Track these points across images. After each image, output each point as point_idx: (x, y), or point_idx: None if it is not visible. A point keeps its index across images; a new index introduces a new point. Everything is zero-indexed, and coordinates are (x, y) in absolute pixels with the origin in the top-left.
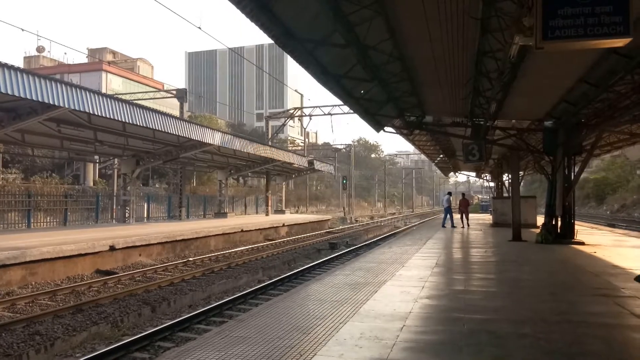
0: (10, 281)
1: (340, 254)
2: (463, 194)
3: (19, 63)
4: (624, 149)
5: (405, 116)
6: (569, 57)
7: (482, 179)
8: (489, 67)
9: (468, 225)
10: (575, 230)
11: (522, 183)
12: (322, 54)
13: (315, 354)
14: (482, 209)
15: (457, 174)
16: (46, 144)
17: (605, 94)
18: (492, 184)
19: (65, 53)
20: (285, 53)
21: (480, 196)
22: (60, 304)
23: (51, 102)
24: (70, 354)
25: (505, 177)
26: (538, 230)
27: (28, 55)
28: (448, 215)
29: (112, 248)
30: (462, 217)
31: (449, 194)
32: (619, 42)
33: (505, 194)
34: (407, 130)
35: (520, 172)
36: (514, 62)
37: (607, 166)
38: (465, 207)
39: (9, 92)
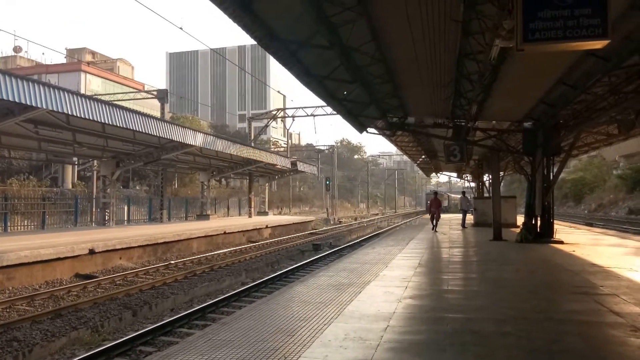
0: None
1: (324, 255)
2: (435, 193)
3: None
4: (600, 150)
5: (388, 117)
6: (548, 59)
7: (463, 179)
8: (470, 68)
9: (435, 229)
10: (555, 230)
11: (502, 183)
12: (305, 55)
13: (299, 356)
14: None
15: (438, 174)
16: (23, 145)
17: (583, 95)
18: (473, 184)
19: (43, 53)
20: (267, 54)
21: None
22: (39, 309)
23: (29, 103)
24: None
25: (485, 177)
26: (518, 230)
27: (5, 55)
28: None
29: (91, 251)
30: (432, 218)
31: (464, 193)
32: (598, 44)
33: (486, 194)
34: (389, 132)
35: (501, 173)
36: (494, 64)
37: (585, 166)
38: (437, 207)
39: None
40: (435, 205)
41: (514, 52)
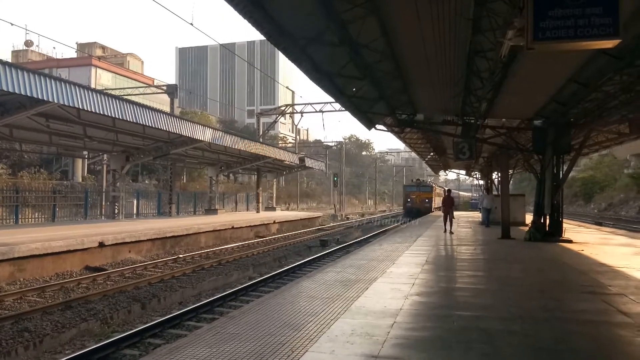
0: None
1: (331, 251)
2: (449, 191)
3: (7, 57)
4: (611, 148)
5: (397, 114)
6: (559, 57)
7: (472, 177)
8: (480, 66)
9: (451, 231)
10: (563, 229)
11: (511, 181)
12: (315, 52)
13: (306, 351)
14: (472, 206)
15: (447, 171)
16: (34, 139)
17: (594, 93)
18: (481, 182)
19: (54, 47)
20: (277, 50)
21: (470, 194)
22: (49, 301)
23: (40, 97)
24: (60, 351)
25: (494, 175)
26: (527, 229)
27: (16, 49)
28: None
29: (101, 244)
30: (445, 219)
31: (487, 190)
32: (609, 44)
33: (495, 192)
34: (398, 128)
35: (510, 171)
36: (505, 62)
37: (595, 165)
38: (450, 206)
39: None
40: (448, 205)
41: (524, 50)
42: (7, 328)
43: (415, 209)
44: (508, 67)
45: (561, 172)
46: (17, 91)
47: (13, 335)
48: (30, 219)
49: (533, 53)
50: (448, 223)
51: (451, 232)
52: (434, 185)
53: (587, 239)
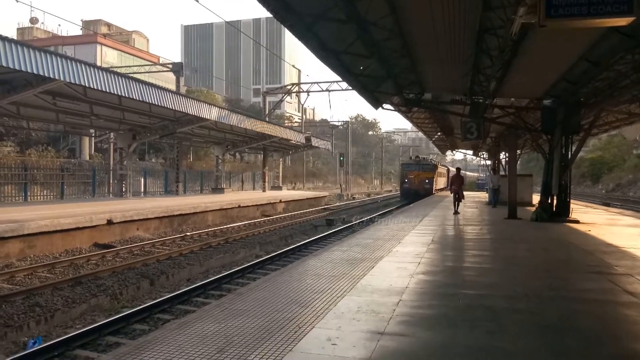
0: (8, 254)
1: (337, 231)
2: (458, 169)
3: (13, 34)
4: (621, 129)
5: (404, 93)
6: (570, 35)
7: (479, 157)
8: (490, 44)
9: (457, 210)
10: (571, 209)
11: (519, 161)
12: (322, 29)
13: (313, 327)
14: (478, 186)
15: (454, 151)
16: (41, 117)
17: (605, 72)
18: (488, 162)
19: (59, 25)
20: (283, 27)
21: (477, 174)
22: (60, 277)
23: (46, 75)
24: (71, 325)
25: (502, 155)
26: (534, 209)
27: (21, 26)
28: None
29: (109, 222)
30: (455, 199)
31: (494, 170)
32: (622, 21)
33: (502, 173)
34: (405, 108)
35: (518, 151)
36: (515, 40)
37: (604, 145)
38: (459, 186)
39: (4, 64)
40: (458, 184)
41: (536, 27)
42: (19, 303)
43: (413, 191)
44: (518, 45)
45: (570, 152)
46: (23, 69)
47: (25, 310)
48: (39, 197)
49: (544, 30)
50: (457, 203)
51: (457, 212)
52: (436, 163)
53: (594, 220)
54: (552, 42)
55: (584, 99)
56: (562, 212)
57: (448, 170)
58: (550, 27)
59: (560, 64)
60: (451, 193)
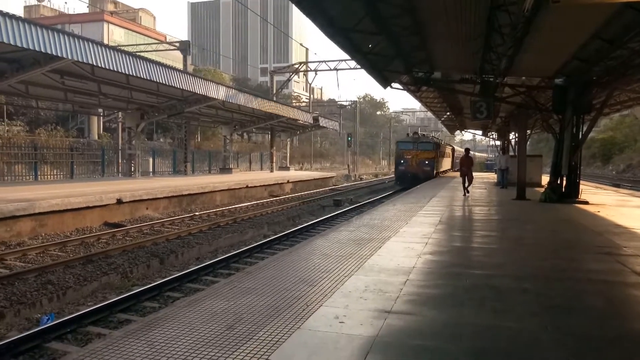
0: (20, 232)
1: (345, 211)
2: (467, 150)
3: (19, 13)
4: (633, 108)
5: (413, 72)
6: (584, 11)
7: (489, 137)
8: (501, 21)
9: (467, 191)
10: (580, 190)
11: (528, 142)
12: (330, 6)
13: (321, 305)
14: (487, 167)
15: (463, 132)
16: (50, 96)
17: (619, 51)
18: (498, 143)
19: (65, 2)
20: (291, 5)
21: (486, 155)
22: (71, 255)
23: (54, 53)
24: (82, 303)
25: (512, 135)
26: (543, 190)
27: (28, 4)
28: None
29: (119, 201)
30: (463, 181)
31: (503, 150)
32: None
33: (512, 153)
34: (414, 87)
35: (528, 131)
36: (527, 16)
37: (615, 125)
38: (469, 167)
39: (12, 42)
40: (467, 165)
41: (549, 3)
42: (32, 280)
43: (410, 174)
44: (530, 22)
45: (581, 133)
46: (31, 47)
47: (37, 287)
48: (49, 176)
49: (558, 7)
50: (467, 184)
51: (466, 193)
52: (439, 141)
53: (603, 201)
54: (565, 19)
55: (596, 78)
56: (572, 193)
57: (453, 150)
58: (564, 3)
59: (573, 42)
60: (460, 176)
